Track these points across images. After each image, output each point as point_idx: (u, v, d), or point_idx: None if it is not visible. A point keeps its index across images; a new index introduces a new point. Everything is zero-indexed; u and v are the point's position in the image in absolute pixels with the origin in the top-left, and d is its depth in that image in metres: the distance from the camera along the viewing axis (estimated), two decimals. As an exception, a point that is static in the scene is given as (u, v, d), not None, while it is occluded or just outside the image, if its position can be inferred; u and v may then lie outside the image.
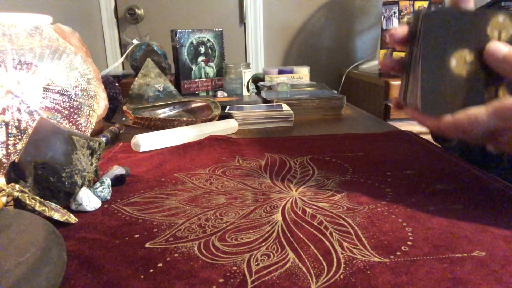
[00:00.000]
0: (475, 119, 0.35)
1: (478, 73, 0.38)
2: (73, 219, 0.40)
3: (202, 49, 1.26)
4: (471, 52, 0.38)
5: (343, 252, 0.33)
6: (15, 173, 0.41)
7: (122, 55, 1.85)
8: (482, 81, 0.38)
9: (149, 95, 1.00)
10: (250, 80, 1.25)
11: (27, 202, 0.38)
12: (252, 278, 0.30)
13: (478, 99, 0.38)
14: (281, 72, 1.42)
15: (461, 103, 0.38)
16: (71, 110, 0.54)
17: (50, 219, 0.37)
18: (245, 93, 1.23)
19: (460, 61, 0.38)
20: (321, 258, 0.32)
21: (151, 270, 0.31)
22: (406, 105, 0.41)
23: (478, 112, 0.35)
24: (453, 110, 0.37)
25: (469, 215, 0.39)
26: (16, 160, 0.41)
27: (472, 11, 0.38)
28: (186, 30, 1.22)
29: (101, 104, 0.75)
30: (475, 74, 0.38)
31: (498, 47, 0.36)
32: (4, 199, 0.38)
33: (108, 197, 0.46)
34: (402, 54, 1.50)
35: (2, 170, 0.49)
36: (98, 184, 0.46)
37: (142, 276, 0.31)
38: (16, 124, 0.48)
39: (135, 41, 1.40)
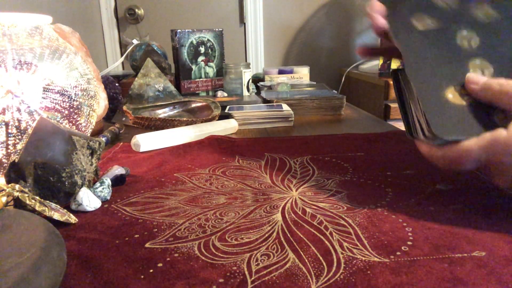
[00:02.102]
0: (466, 152, 0.35)
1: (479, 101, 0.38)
2: (73, 219, 0.40)
3: (202, 49, 1.26)
4: (463, 88, 0.39)
5: (343, 252, 0.33)
6: (15, 173, 0.41)
7: (122, 55, 1.85)
8: (486, 106, 0.38)
9: (149, 95, 1.00)
10: (250, 80, 1.25)
11: (27, 202, 0.38)
12: (252, 278, 0.30)
13: (488, 120, 0.37)
14: (281, 72, 1.42)
15: (473, 126, 0.37)
16: (71, 110, 0.54)
17: (50, 219, 0.37)
18: (245, 93, 1.23)
19: (455, 94, 0.38)
20: (321, 258, 0.32)
21: (151, 270, 0.31)
22: (413, 138, 0.42)
23: (469, 145, 0.35)
24: (467, 134, 0.37)
25: (469, 215, 0.39)
26: (16, 160, 0.41)
27: (447, 51, 0.41)
28: (186, 30, 1.22)
29: (101, 104, 0.75)
30: (477, 102, 0.38)
31: (475, 76, 0.38)
32: (4, 199, 0.38)
33: (108, 197, 0.46)
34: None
35: (2, 170, 0.49)
36: (98, 184, 0.46)
37: (142, 276, 0.31)
38: (16, 124, 0.48)
39: (135, 41, 1.40)
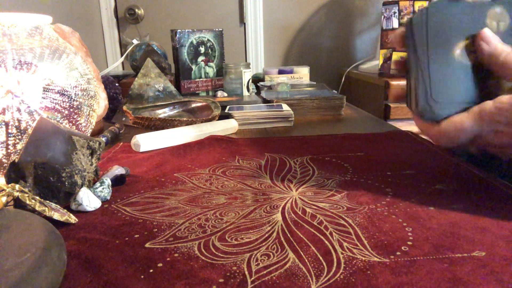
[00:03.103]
0: (461, 126, 0.36)
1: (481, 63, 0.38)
2: (73, 219, 0.40)
3: (202, 49, 1.26)
4: (472, 44, 0.39)
5: (343, 252, 0.33)
6: (15, 173, 0.41)
7: (122, 55, 1.85)
8: (485, 70, 0.38)
9: (149, 95, 1.00)
10: (250, 80, 1.25)
11: (27, 202, 0.38)
12: (252, 278, 0.30)
13: (482, 86, 0.38)
14: (281, 72, 1.42)
15: (466, 92, 0.38)
16: (71, 110, 0.54)
17: (50, 219, 0.37)
18: (245, 93, 1.23)
19: (463, 51, 0.38)
20: (321, 258, 0.32)
21: (151, 270, 0.31)
22: (412, 111, 0.42)
23: (462, 118, 0.36)
24: (458, 100, 0.37)
25: (469, 215, 0.39)
26: (16, 160, 0.41)
27: (470, 2, 0.39)
28: (186, 30, 1.22)
29: (101, 104, 0.75)
30: (479, 63, 0.38)
31: (489, 34, 0.37)
32: (4, 199, 0.38)
33: (108, 197, 0.46)
34: (403, 54, 1.50)
35: (2, 170, 0.49)
36: (98, 184, 0.46)
37: (142, 276, 0.31)
38: (16, 124, 0.48)
39: (135, 41, 1.40)
